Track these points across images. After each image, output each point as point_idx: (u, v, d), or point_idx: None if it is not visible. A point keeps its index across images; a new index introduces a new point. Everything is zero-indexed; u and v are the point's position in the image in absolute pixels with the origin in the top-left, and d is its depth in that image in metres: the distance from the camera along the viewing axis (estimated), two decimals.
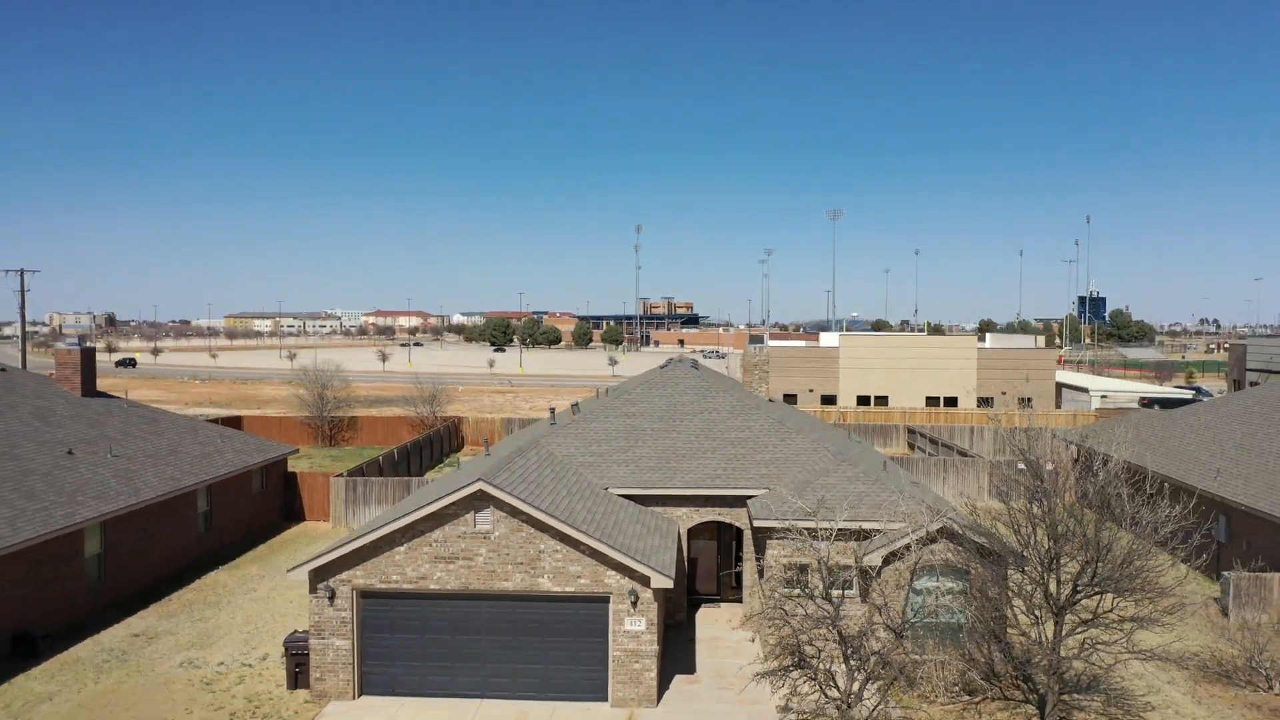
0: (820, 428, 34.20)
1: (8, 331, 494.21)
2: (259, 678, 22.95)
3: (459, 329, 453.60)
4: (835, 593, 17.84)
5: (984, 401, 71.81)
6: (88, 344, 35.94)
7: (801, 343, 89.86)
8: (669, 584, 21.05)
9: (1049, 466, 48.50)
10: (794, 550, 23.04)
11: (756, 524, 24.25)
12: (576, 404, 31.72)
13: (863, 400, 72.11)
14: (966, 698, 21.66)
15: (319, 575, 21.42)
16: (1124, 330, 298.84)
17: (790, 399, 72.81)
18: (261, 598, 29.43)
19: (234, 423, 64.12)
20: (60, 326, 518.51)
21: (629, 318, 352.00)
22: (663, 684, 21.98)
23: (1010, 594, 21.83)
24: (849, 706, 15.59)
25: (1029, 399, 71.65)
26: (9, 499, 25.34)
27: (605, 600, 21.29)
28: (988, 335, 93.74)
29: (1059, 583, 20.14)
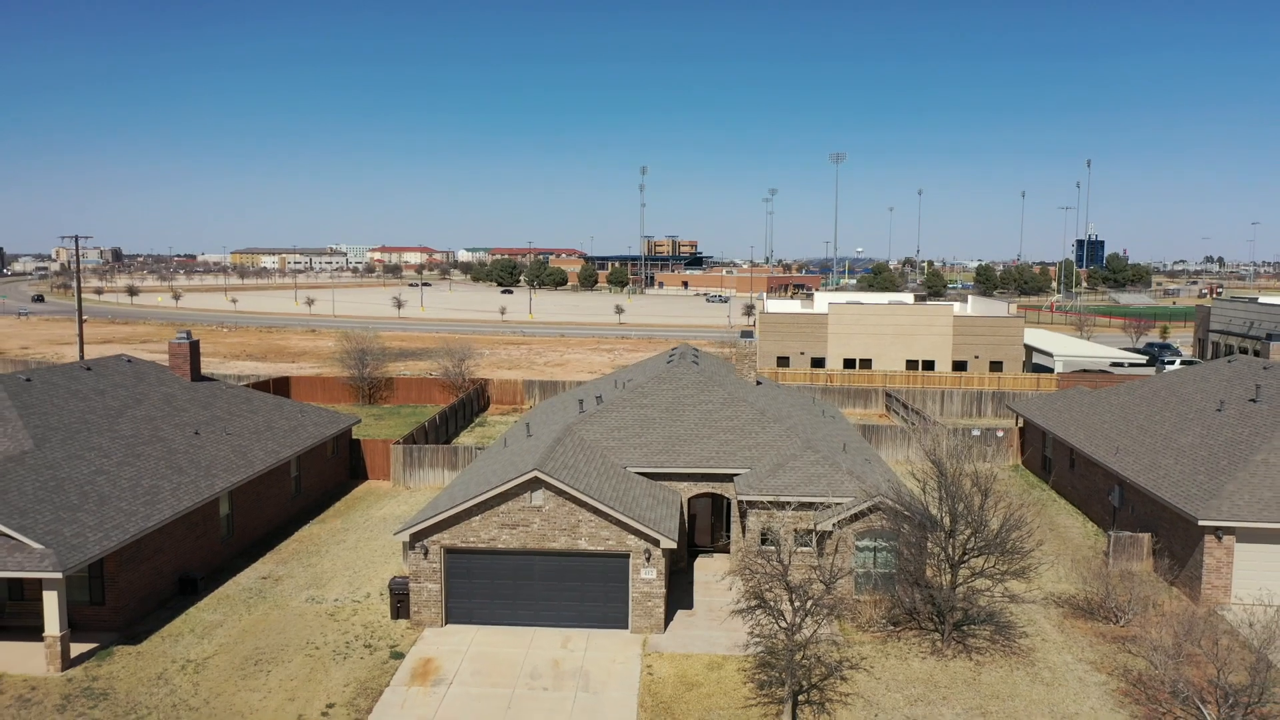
0: (797, 410, 41.60)
1: (17, 268, 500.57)
2: (368, 610, 30.82)
3: (465, 267, 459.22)
4: (785, 552, 25.41)
5: (959, 365, 79.13)
6: (190, 336, 43.18)
7: (796, 304, 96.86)
8: (673, 545, 28.72)
9: (999, 434, 56.40)
10: (766, 518, 30.71)
11: (739, 498, 31.90)
12: (600, 395, 39.05)
13: (849, 363, 79.48)
14: (892, 627, 29.43)
15: (417, 537, 29.11)
16: (1119, 274, 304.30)
17: (784, 361, 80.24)
18: (351, 547, 37.27)
19: (283, 384, 71.77)
20: (68, 261, 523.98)
21: (634, 258, 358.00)
22: (668, 616, 29.79)
23: (925, 552, 29.43)
24: (793, 632, 23.22)
25: (999, 362, 78.95)
26: (167, 475, 33.00)
27: (626, 556, 28.98)
28: (970, 298, 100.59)
29: (954, 546, 27.78)
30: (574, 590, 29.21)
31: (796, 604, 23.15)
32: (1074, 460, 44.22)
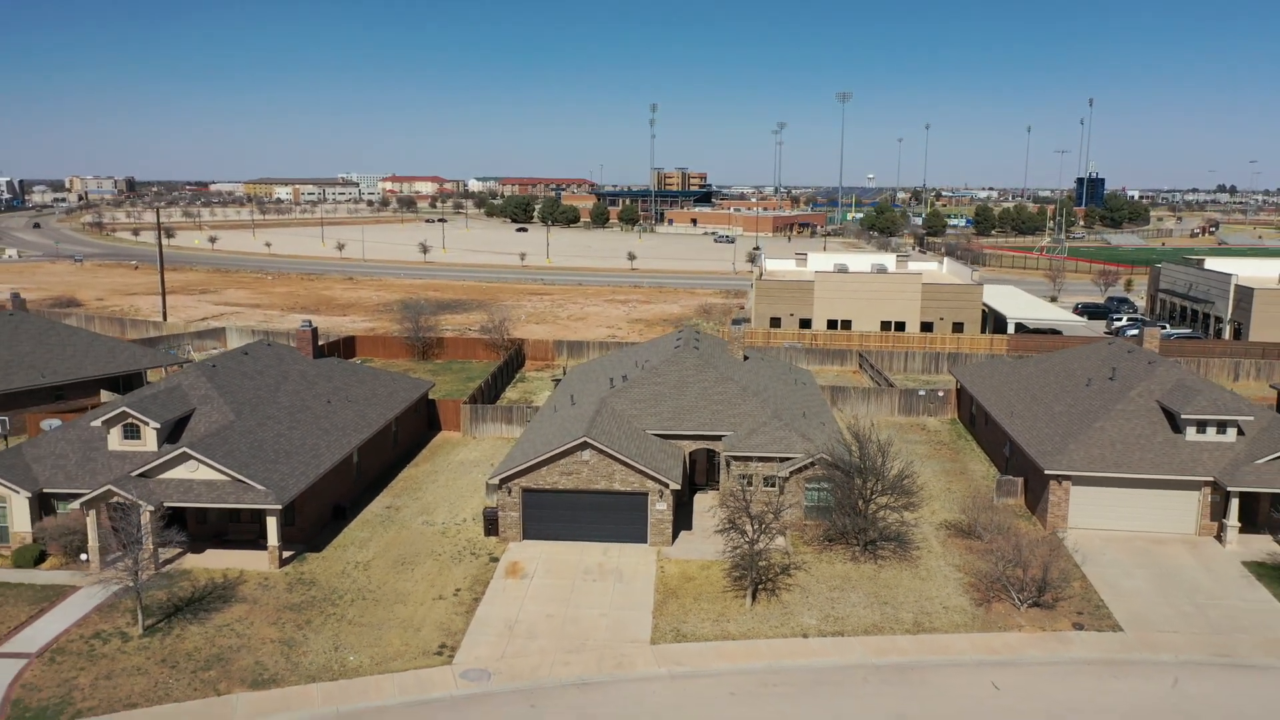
0: (774, 383, 54.76)
1: (35, 199, 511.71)
2: (467, 530, 44.57)
3: (479, 200, 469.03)
4: (748, 493, 38.89)
5: (926, 326, 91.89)
6: (312, 324, 56.35)
7: (791, 263, 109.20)
8: (678, 487, 42.26)
9: (940, 394, 70.58)
10: (742, 467, 44.25)
11: (724, 454, 45.39)
12: (625, 375, 52.29)
13: (832, 324, 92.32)
14: (827, 543, 43.03)
15: (503, 480, 42.71)
16: (1117, 213, 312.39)
17: (775, 322, 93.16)
18: (443, 485, 50.97)
19: (350, 343, 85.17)
20: (86, 193, 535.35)
21: (644, 194, 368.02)
22: (675, 534, 43.41)
23: (850, 491, 42.84)
24: (753, 545, 36.78)
25: (961, 324, 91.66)
26: (320, 436, 46.51)
27: (646, 494, 42.53)
28: (946, 259, 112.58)
29: (867, 488, 41.23)
30: (610, 517, 42.82)
31: (755, 526, 36.75)
32: (987, 419, 57.43)
